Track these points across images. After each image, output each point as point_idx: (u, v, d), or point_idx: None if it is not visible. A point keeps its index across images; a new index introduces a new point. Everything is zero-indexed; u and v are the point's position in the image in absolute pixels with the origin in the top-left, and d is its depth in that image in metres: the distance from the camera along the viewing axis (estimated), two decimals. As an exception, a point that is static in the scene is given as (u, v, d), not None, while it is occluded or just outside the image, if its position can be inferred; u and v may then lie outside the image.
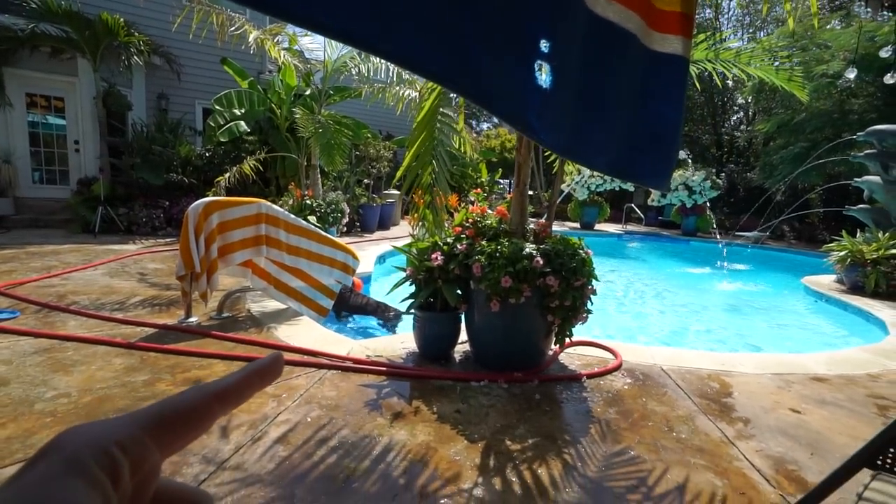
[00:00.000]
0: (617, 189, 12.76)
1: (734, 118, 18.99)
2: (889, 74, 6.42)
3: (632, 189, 13.68)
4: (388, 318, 4.01)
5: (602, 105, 0.75)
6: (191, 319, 3.44)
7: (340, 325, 4.11)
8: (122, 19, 7.71)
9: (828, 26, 12.86)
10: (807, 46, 12.02)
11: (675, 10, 0.76)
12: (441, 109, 2.29)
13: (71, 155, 8.78)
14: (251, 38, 6.20)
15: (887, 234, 5.91)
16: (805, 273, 7.21)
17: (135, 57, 8.26)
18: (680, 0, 0.75)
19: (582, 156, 0.77)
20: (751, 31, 19.36)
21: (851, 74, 6.04)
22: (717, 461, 1.99)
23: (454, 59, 0.54)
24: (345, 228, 8.36)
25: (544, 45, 0.62)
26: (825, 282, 6.52)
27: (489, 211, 2.86)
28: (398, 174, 2.42)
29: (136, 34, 8.16)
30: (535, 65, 0.62)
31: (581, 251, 2.66)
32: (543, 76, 0.63)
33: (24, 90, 8.26)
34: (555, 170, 3.10)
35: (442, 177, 2.32)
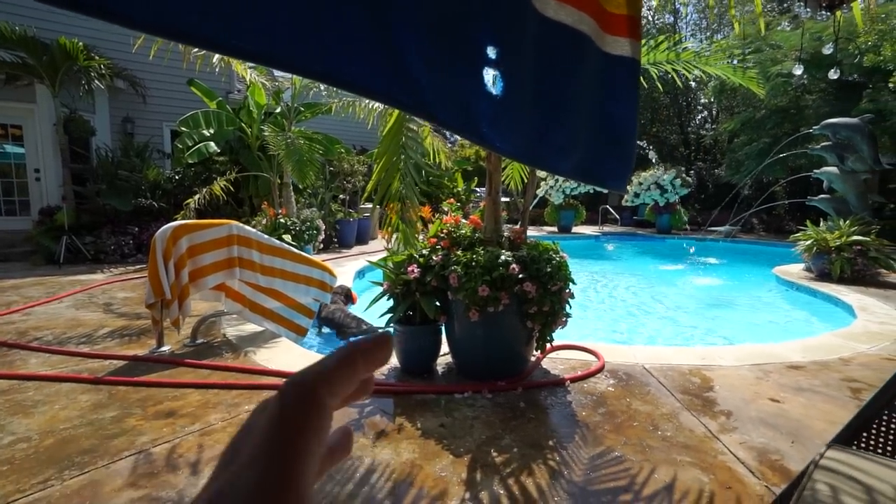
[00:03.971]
0: (591, 192, 12.98)
1: (699, 118, 19.65)
2: (832, 70, 6.76)
3: (606, 192, 13.94)
4: (349, 334, 3.88)
5: (561, 108, 0.74)
6: (163, 349, 3.31)
7: (322, 346, 4.01)
8: (80, 43, 7.50)
9: (778, 27, 13.51)
10: (760, 48, 12.57)
11: (622, 13, 0.76)
12: (407, 124, 2.28)
13: (31, 184, 8.44)
14: (216, 58, 6.10)
15: (847, 221, 6.16)
16: (776, 263, 7.44)
17: (96, 81, 8.03)
18: (627, 4, 0.76)
19: (543, 161, 0.76)
20: (708, 34, 20.20)
21: (798, 71, 6.40)
22: (703, 457, 2.00)
23: (391, 73, 0.51)
24: (321, 245, 8.24)
25: (492, 52, 0.60)
26: (794, 271, 6.73)
27: (463, 220, 2.86)
28: (368, 187, 2.40)
29: (97, 58, 7.95)
30: (483, 73, 0.61)
31: (556, 255, 2.67)
32: (493, 84, 0.61)
33: (-23, 119, 7.94)
34: (528, 177, 3.12)
35: (411, 190, 2.31)
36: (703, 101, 18.70)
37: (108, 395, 2.61)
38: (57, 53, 7.31)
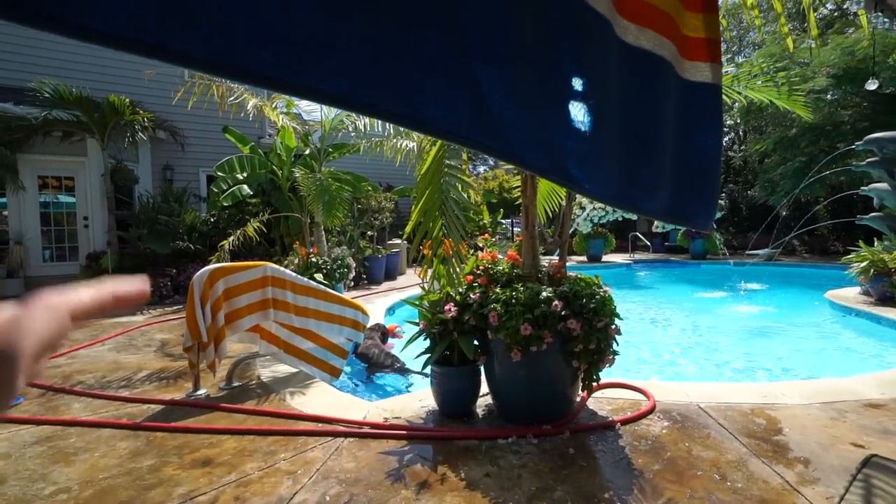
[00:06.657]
0: (620, 219, 12.74)
1: (726, 139, 19.29)
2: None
3: (634, 218, 13.67)
4: (382, 371, 3.93)
5: (647, 143, 0.67)
6: (199, 392, 3.30)
7: (353, 388, 3.93)
8: (127, 99, 8.05)
9: (803, 45, 13.28)
10: (787, 66, 12.35)
11: (700, 36, 0.70)
12: (446, 161, 2.26)
13: (80, 231, 8.92)
14: (250, 106, 6.40)
15: (906, 240, 5.77)
16: (825, 287, 7.00)
17: (140, 133, 8.55)
18: (705, 26, 0.70)
19: (632, 202, 0.69)
20: (728, 56, 20.07)
21: (872, 86, 6.23)
22: (783, 513, 1.78)
23: (471, 113, 0.46)
24: (352, 283, 8.28)
25: (577, 83, 0.55)
26: (850, 295, 6.30)
27: (500, 256, 2.78)
28: (407, 229, 2.36)
29: (141, 112, 8.50)
30: (570, 106, 0.55)
31: (599, 290, 2.55)
32: (580, 117, 0.56)
33: (36, 173, 8.52)
34: (562, 207, 3.05)
35: (454, 229, 2.26)
36: (728, 122, 18.39)
37: (146, 442, 2.58)
38: (107, 110, 7.86)
